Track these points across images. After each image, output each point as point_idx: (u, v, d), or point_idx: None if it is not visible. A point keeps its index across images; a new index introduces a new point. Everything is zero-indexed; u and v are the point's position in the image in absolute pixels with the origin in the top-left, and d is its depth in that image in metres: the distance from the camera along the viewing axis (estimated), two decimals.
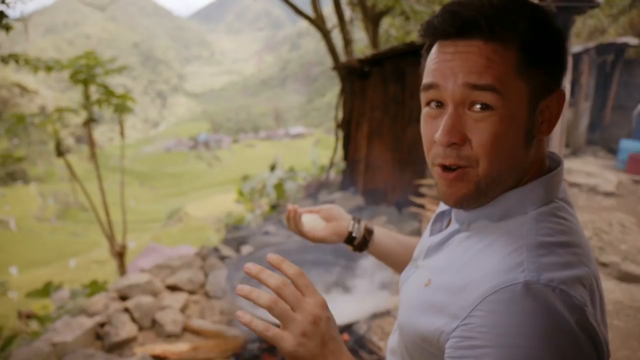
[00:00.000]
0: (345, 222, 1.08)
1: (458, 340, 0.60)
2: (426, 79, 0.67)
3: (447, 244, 0.75)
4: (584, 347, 0.55)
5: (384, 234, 1.10)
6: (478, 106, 0.62)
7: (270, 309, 0.63)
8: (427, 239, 0.84)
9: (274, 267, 0.68)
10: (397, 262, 1.07)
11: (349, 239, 1.07)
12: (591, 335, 0.56)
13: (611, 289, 3.89)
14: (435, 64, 0.65)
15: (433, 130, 0.66)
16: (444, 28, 0.64)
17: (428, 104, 0.68)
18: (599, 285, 0.63)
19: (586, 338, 0.55)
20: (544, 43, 0.63)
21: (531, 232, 0.63)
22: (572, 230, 0.66)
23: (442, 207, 0.86)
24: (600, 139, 10.03)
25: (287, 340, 0.62)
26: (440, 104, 0.66)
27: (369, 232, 1.08)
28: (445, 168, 0.66)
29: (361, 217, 1.15)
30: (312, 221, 1.07)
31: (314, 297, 0.64)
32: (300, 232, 1.06)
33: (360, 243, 1.07)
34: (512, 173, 0.66)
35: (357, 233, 1.07)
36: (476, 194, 0.67)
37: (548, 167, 0.72)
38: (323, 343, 0.62)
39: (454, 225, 0.76)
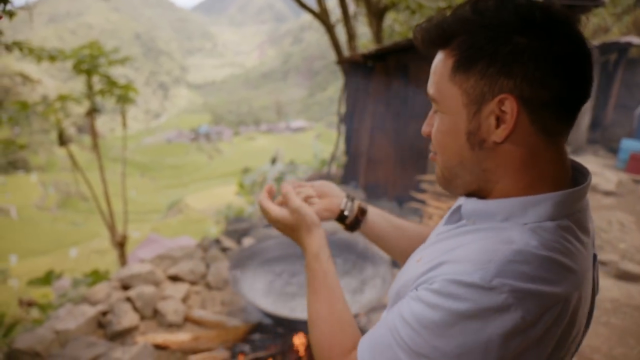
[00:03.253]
0: (338, 200, 1.05)
1: (411, 292, 0.68)
2: None
3: (451, 233, 0.77)
4: (489, 348, 0.57)
5: (378, 215, 1.08)
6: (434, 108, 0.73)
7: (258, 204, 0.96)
8: (440, 227, 0.86)
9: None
10: (390, 245, 1.07)
11: (341, 217, 1.05)
12: (505, 345, 0.57)
13: (609, 287, 3.92)
14: None
15: None
16: (416, 44, 0.73)
17: None
18: (568, 310, 0.61)
19: (499, 344, 0.57)
20: (477, 48, 0.63)
21: (522, 241, 0.62)
22: (568, 252, 0.63)
23: (461, 200, 0.86)
24: (602, 138, 10.01)
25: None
26: None
27: (362, 212, 1.06)
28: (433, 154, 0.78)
29: (355, 196, 1.12)
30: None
31: (277, 210, 0.94)
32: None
33: (352, 222, 1.05)
34: (467, 170, 0.71)
35: (350, 211, 1.04)
36: (443, 180, 0.77)
37: (572, 179, 0.72)
38: (286, 231, 0.94)
39: (462, 220, 0.78)
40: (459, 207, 0.85)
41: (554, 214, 0.66)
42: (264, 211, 0.95)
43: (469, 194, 0.75)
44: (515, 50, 0.61)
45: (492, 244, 0.63)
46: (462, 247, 0.67)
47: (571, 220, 0.67)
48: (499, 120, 0.64)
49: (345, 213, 1.04)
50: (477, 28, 0.63)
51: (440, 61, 0.69)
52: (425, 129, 0.77)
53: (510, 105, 0.62)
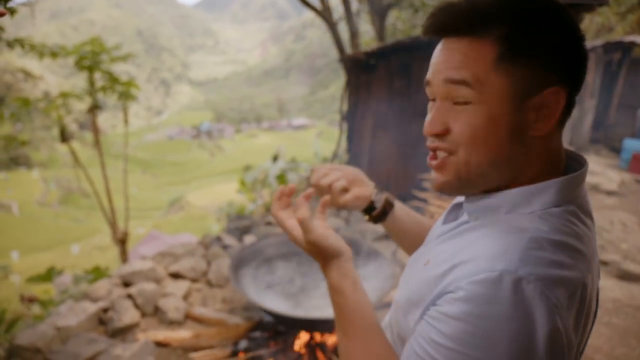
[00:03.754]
0: (369, 189, 1.02)
1: (434, 308, 0.63)
2: (426, 76, 0.71)
3: (454, 232, 0.76)
4: (538, 344, 0.55)
5: (403, 210, 1.06)
6: (458, 99, 0.65)
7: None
8: (439, 227, 0.85)
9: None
10: (410, 241, 1.05)
11: (369, 208, 1.02)
12: (552, 336, 0.56)
13: (611, 288, 3.91)
14: (431, 61, 0.70)
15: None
16: (427, 29, 0.67)
17: (430, 99, 0.72)
18: (586, 294, 0.61)
19: (546, 337, 0.55)
20: (528, 36, 0.61)
21: (532, 227, 0.62)
22: (577, 236, 0.64)
23: (460, 198, 0.85)
24: (604, 137, 9.97)
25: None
26: (434, 99, 0.70)
27: (389, 205, 1.04)
28: (432, 155, 0.71)
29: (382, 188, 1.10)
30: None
31: (302, 234, 0.81)
32: (336, 203, 0.99)
33: (379, 214, 1.03)
34: (497, 167, 0.66)
35: (379, 203, 1.02)
36: (457, 182, 0.69)
37: (565, 167, 0.72)
38: (312, 254, 0.82)
39: (464, 217, 0.77)
40: (456, 205, 0.84)
41: (559, 200, 0.66)
42: (280, 225, 0.87)
43: (485, 191, 0.71)
44: (561, 43, 0.62)
45: (504, 235, 0.63)
46: (472, 245, 0.65)
47: (575, 205, 0.67)
48: (539, 114, 0.64)
49: (375, 204, 1.02)
50: (524, 17, 0.61)
51: (471, 49, 0.63)
52: (437, 126, 0.68)
53: (557, 98, 0.63)
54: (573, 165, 0.73)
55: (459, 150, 0.67)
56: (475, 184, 0.69)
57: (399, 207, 1.05)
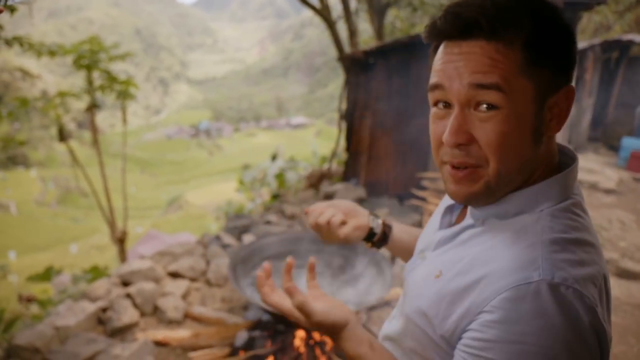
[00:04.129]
0: (365, 218, 1.03)
1: (471, 334, 0.61)
2: (432, 79, 0.67)
3: (458, 238, 0.75)
4: (591, 345, 0.57)
5: (401, 229, 1.07)
6: (484, 106, 0.62)
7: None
8: (435, 232, 0.84)
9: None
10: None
11: (369, 235, 1.03)
12: (599, 334, 0.57)
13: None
14: (441, 64, 0.65)
15: (441, 130, 0.67)
16: (447, 30, 0.64)
17: (436, 104, 0.68)
18: (607, 283, 0.64)
19: (595, 337, 0.57)
20: (549, 40, 0.62)
21: (546, 228, 0.63)
22: (585, 228, 0.66)
23: (449, 200, 0.85)
24: (602, 136, 9.99)
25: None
26: (447, 105, 0.67)
27: (388, 228, 1.05)
28: (455, 166, 0.68)
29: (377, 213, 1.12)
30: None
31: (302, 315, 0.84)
32: (337, 238, 1.00)
33: (379, 239, 1.04)
34: (521, 171, 0.66)
35: (377, 229, 1.04)
36: (486, 192, 0.67)
37: (559, 162, 0.72)
38: (320, 330, 0.83)
39: (467, 221, 0.75)
40: (449, 208, 0.84)
41: (563, 194, 0.68)
42: (278, 310, 0.91)
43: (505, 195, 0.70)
44: (573, 43, 0.65)
45: (523, 240, 0.63)
46: (491, 255, 0.65)
47: (575, 197, 0.69)
48: (553, 113, 0.66)
49: (375, 231, 1.04)
50: (548, 22, 0.62)
51: (501, 52, 0.60)
52: (462, 135, 0.64)
53: (569, 96, 0.66)
54: (564, 158, 0.74)
55: (489, 161, 0.64)
56: (502, 192, 0.68)
57: (397, 227, 1.07)
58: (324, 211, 1.00)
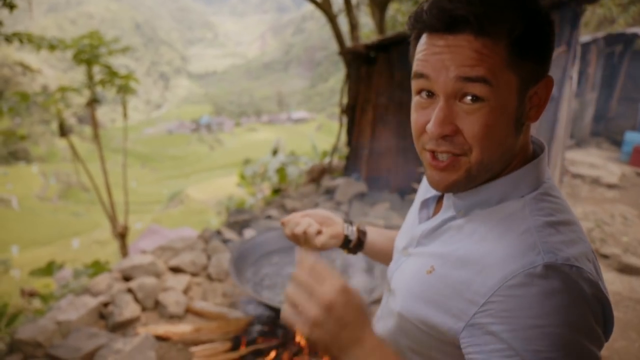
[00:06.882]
0: (339, 226, 1.06)
1: (476, 328, 0.61)
2: (416, 67, 0.68)
3: (441, 231, 0.75)
4: (599, 318, 0.60)
5: (375, 232, 1.11)
6: (469, 98, 0.63)
7: (287, 300, 0.66)
8: (415, 227, 0.83)
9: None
10: (389, 258, 1.05)
11: (344, 242, 1.07)
12: (604, 306, 0.61)
13: (611, 281, 3.91)
14: (425, 55, 0.66)
15: (424, 119, 0.68)
16: (434, 24, 0.64)
17: (419, 92, 0.69)
18: (596, 257, 0.67)
19: (600, 307, 0.61)
20: (532, 35, 0.63)
21: (533, 213, 0.66)
22: (566, 209, 0.69)
23: (425, 194, 0.86)
24: (605, 130, 9.96)
25: (301, 326, 0.64)
26: (430, 94, 0.67)
27: (362, 234, 1.08)
28: (435, 156, 0.69)
29: (351, 219, 1.14)
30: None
31: (329, 283, 0.64)
32: (314, 246, 1.01)
33: (355, 245, 1.08)
34: (502, 159, 0.69)
35: (352, 236, 1.07)
36: (466, 180, 0.69)
37: (533, 150, 0.75)
38: (339, 327, 0.63)
39: (446, 212, 0.76)
40: (425, 202, 0.85)
41: (540, 178, 0.71)
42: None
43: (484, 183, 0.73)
44: (552, 34, 0.66)
45: (513, 228, 0.65)
46: (485, 245, 0.66)
47: (549, 181, 0.72)
48: (533, 102, 0.68)
49: (349, 238, 1.07)
50: (532, 15, 0.63)
51: (487, 46, 0.61)
52: (448, 127, 0.65)
53: (548, 86, 0.68)
54: (534, 147, 0.77)
55: (472, 150, 0.66)
56: (481, 178, 0.70)
57: (372, 232, 1.10)
58: (300, 221, 1.01)
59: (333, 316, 0.62)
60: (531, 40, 0.63)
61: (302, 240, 1.01)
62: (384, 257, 1.09)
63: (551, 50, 0.66)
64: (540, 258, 0.59)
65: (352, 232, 1.07)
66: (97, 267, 5.28)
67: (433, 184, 0.71)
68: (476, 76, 0.61)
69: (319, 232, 1.02)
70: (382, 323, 0.88)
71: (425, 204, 0.85)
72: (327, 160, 8.32)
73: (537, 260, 0.59)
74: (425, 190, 0.88)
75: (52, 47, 6.69)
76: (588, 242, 0.66)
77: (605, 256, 4.29)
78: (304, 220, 1.02)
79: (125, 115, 8.50)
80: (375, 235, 1.10)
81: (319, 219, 1.05)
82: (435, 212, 0.82)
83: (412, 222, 0.87)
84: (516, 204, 0.68)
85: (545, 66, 0.67)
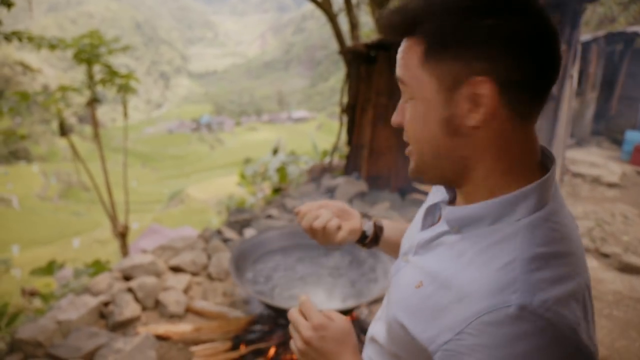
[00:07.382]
0: (357, 220, 1.04)
1: (449, 354, 0.61)
2: None
3: (436, 244, 0.74)
4: None
5: (391, 227, 1.07)
6: (405, 96, 0.71)
7: (290, 329, 0.86)
8: (417, 233, 0.83)
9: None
10: None
11: (361, 238, 1.04)
12: (583, 354, 0.57)
13: (612, 280, 3.90)
14: None
15: None
16: (381, 32, 0.72)
17: None
18: (589, 293, 0.64)
19: (579, 355, 0.57)
20: (448, 33, 0.62)
21: (525, 242, 0.61)
22: (566, 236, 0.65)
23: (432, 199, 0.85)
24: (606, 129, 9.94)
25: (294, 350, 0.83)
26: None
27: (380, 229, 1.06)
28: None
29: (367, 213, 1.12)
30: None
31: (310, 321, 0.81)
32: (332, 242, 0.99)
33: (371, 240, 1.05)
34: (442, 159, 0.68)
35: (369, 230, 1.05)
36: (418, 171, 0.73)
37: (540, 163, 0.70)
38: (320, 355, 0.80)
39: (443, 225, 0.74)
40: (431, 208, 0.83)
41: (540, 202, 0.65)
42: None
43: (445, 183, 0.74)
44: (486, 32, 0.60)
45: (500, 257, 0.61)
46: (467, 271, 0.64)
47: (552, 201, 0.67)
48: (474, 105, 0.63)
49: (367, 233, 1.05)
50: (445, 12, 0.62)
51: (407, 48, 0.67)
52: (395, 118, 0.75)
53: (487, 88, 0.61)
54: (544, 161, 0.71)
55: (411, 143, 0.72)
56: (432, 174, 0.72)
57: (388, 227, 1.07)
58: (318, 214, 0.98)
59: (312, 348, 0.80)
60: (446, 38, 0.62)
61: (319, 235, 0.98)
62: (398, 253, 1.05)
63: (484, 46, 0.60)
64: (515, 297, 0.56)
65: (369, 227, 1.05)
66: (98, 267, 5.28)
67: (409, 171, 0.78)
68: (399, 77, 0.69)
69: (339, 228, 0.99)
70: (378, 324, 0.88)
71: (432, 209, 0.83)
72: (327, 159, 8.32)
73: (511, 299, 0.57)
74: (433, 195, 0.87)
75: (52, 47, 6.69)
76: (584, 275, 0.64)
77: (605, 255, 4.29)
78: (322, 213, 0.98)
79: (125, 114, 8.50)
80: (391, 230, 1.07)
81: (337, 212, 1.02)
82: (439, 220, 0.80)
83: (417, 226, 0.86)
84: (509, 228, 0.64)
85: (476, 64, 0.60)
